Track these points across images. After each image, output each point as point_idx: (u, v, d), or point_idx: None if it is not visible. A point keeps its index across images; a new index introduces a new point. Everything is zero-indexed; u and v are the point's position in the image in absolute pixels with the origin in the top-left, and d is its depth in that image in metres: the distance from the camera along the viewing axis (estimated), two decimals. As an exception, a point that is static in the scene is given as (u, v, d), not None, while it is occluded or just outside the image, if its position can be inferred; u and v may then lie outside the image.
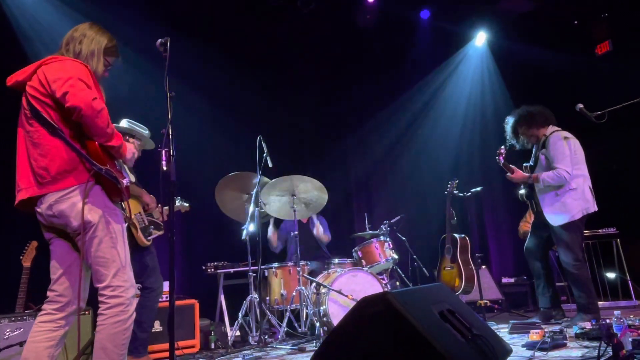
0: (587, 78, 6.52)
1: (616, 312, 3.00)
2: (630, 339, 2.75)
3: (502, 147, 4.37)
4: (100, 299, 2.27)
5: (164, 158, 2.18)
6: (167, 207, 3.61)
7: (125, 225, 3.26)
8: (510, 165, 4.40)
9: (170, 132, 2.25)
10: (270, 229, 5.50)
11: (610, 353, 2.55)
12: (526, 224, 6.22)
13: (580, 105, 3.98)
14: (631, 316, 3.25)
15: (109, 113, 2.26)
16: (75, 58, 2.39)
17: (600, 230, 5.77)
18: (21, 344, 3.44)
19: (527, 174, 4.33)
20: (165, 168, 2.18)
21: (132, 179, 2.70)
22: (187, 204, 4.35)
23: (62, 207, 2.22)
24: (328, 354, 1.92)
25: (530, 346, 3.18)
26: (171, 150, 2.22)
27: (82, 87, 2.18)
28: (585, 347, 3.09)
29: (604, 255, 5.80)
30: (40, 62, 2.32)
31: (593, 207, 4.20)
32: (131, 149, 2.44)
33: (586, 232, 5.39)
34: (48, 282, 2.28)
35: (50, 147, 2.23)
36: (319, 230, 5.50)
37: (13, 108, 2.52)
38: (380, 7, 6.65)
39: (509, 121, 4.56)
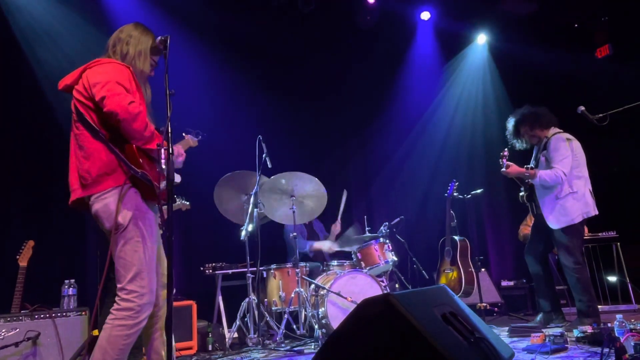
0: (587, 81, 6.52)
1: (618, 316, 2.98)
2: (632, 343, 2.73)
3: (506, 150, 4.33)
4: (115, 298, 2.29)
5: (163, 156, 2.16)
6: (165, 207, 3.57)
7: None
8: (508, 162, 4.35)
9: (169, 130, 2.22)
10: (327, 243, 5.43)
11: (613, 357, 2.53)
12: (526, 227, 6.20)
13: (582, 108, 3.96)
14: (632, 320, 3.23)
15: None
16: (122, 59, 2.45)
17: (600, 234, 5.75)
18: (17, 344, 3.39)
19: (522, 169, 4.27)
20: (164, 166, 2.15)
21: (177, 179, 2.71)
22: (187, 202, 4.32)
23: (96, 207, 2.29)
24: (329, 356, 1.89)
25: (531, 350, 3.16)
26: (170, 149, 2.19)
27: (119, 92, 2.22)
28: (587, 351, 3.07)
29: (604, 258, 5.78)
30: (86, 65, 2.38)
31: (593, 211, 4.18)
32: (177, 151, 2.47)
33: (586, 236, 5.37)
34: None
35: (92, 149, 2.29)
36: (336, 228, 5.50)
37: None
38: (381, 8, 6.63)
39: (511, 120, 4.53)
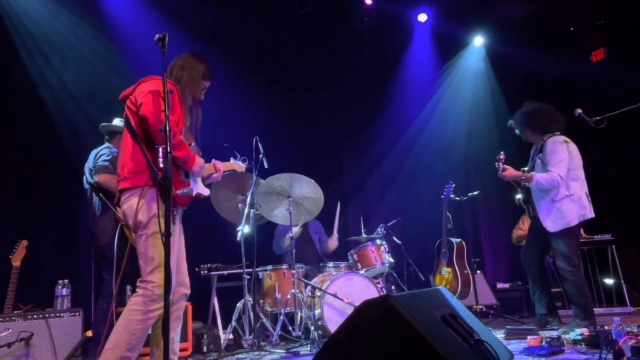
0: (582, 84, 6.55)
1: (616, 319, 2.98)
2: (629, 346, 2.73)
3: (502, 153, 4.32)
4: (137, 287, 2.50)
5: (161, 155, 2.15)
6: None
7: (119, 226, 3.27)
8: (504, 166, 4.33)
9: (167, 129, 2.20)
10: (297, 229, 5.23)
11: (611, 360, 2.53)
12: (519, 230, 6.21)
13: (579, 111, 3.96)
14: (628, 323, 3.23)
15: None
16: (177, 82, 2.75)
17: (595, 237, 5.77)
18: (9, 345, 3.35)
19: (519, 172, 4.26)
20: (162, 165, 2.15)
21: (204, 192, 2.90)
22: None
23: (124, 206, 2.54)
24: (329, 357, 1.87)
25: (529, 352, 3.15)
26: (168, 147, 2.18)
27: (154, 100, 2.47)
28: (584, 353, 3.06)
29: (599, 261, 5.80)
30: (142, 79, 2.67)
31: (590, 214, 4.18)
32: (199, 163, 2.73)
33: (582, 238, 5.38)
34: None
35: (129, 150, 2.57)
36: (333, 243, 5.45)
37: None
38: (378, 10, 6.63)
39: (524, 107, 4.43)
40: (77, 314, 3.69)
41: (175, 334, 2.69)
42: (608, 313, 5.32)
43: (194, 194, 2.73)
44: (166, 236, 2.12)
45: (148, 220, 2.47)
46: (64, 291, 3.84)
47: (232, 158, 3.45)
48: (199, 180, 2.87)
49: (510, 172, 4.22)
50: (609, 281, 5.67)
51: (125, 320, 2.39)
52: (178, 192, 2.54)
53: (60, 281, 3.87)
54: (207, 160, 3.01)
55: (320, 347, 1.96)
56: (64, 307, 3.77)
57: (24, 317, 3.50)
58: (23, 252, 3.79)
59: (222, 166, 3.08)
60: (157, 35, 2.47)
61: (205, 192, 2.91)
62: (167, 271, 2.13)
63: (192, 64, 2.83)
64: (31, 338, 3.45)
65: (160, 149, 2.17)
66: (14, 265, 3.73)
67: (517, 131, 4.50)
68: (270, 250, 5.57)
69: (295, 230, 5.20)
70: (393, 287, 5.13)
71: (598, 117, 3.82)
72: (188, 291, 2.78)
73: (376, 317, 1.82)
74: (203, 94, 2.95)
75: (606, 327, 3.22)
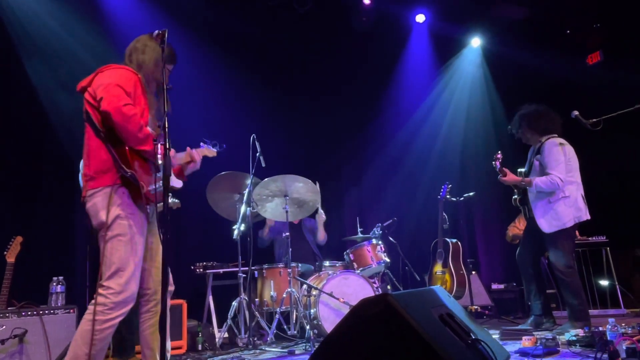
0: (579, 86, 6.58)
1: (611, 320, 2.99)
2: (624, 347, 2.75)
3: (499, 152, 4.34)
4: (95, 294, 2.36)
5: (160, 152, 2.14)
6: (160, 204, 3.53)
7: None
8: (504, 169, 4.37)
9: (166, 125, 2.19)
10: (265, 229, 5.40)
11: (606, 360, 2.54)
12: (514, 228, 6.23)
13: (576, 112, 3.98)
14: (623, 324, 3.24)
15: None
16: (138, 68, 2.55)
17: (590, 238, 5.79)
18: (3, 341, 3.33)
19: (519, 177, 4.31)
20: (160, 162, 2.14)
21: (177, 185, 2.75)
22: (177, 201, 4.27)
23: (88, 205, 2.40)
24: (326, 355, 1.86)
25: (524, 353, 3.15)
26: (167, 144, 2.17)
27: (116, 93, 2.31)
28: (579, 354, 3.07)
29: (594, 263, 5.82)
30: (99, 69, 2.50)
31: (585, 216, 4.20)
32: (170, 154, 2.47)
33: (577, 240, 5.41)
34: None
35: (94, 147, 2.41)
36: (320, 233, 5.43)
37: None
38: (377, 10, 6.63)
39: (523, 109, 4.47)
40: (71, 311, 3.67)
41: (155, 338, 2.57)
42: (602, 315, 5.34)
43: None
44: (164, 233, 2.10)
45: (112, 222, 2.34)
46: (59, 288, 3.82)
47: (202, 143, 3.33)
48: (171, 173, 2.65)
49: (510, 177, 4.28)
50: (604, 283, 5.70)
51: (83, 331, 2.27)
52: (150, 188, 2.40)
53: (55, 278, 3.85)
54: (181, 150, 2.84)
55: (317, 345, 1.96)
56: (59, 304, 3.75)
57: (18, 313, 3.48)
58: (18, 248, 3.76)
59: (198, 154, 2.89)
60: (157, 32, 2.47)
61: (178, 184, 2.76)
62: (164, 271, 2.12)
63: (153, 46, 2.58)
64: (25, 335, 3.43)
65: (160, 146, 2.15)
66: (9, 262, 3.70)
67: (516, 134, 4.53)
68: (267, 249, 5.56)
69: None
70: (389, 287, 5.14)
71: (595, 119, 3.84)
72: (171, 287, 2.69)
73: (374, 315, 1.82)
74: (167, 79, 2.65)
75: (600, 329, 3.23)
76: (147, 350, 2.56)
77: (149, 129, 2.42)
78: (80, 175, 2.63)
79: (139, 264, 2.42)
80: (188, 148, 2.88)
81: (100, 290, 2.32)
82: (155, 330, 2.55)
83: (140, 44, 2.61)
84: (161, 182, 2.39)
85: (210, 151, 3.37)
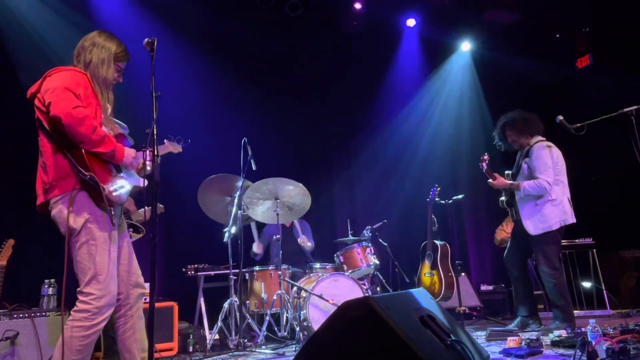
0: (568, 90, 6.66)
1: (591, 321, 3.06)
2: (604, 347, 2.81)
3: (486, 154, 4.42)
4: (76, 301, 2.35)
5: (148, 158, 2.17)
6: (149, 208, 3.56)
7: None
8: (494, 173, 4.44)
9: (155, 132, 2.23)
10: (255, 243, 5.39)
11: (585, 360, 2.60)
12: (502, 232, 6.31)
13: (560, 117, 4.03)
14: (606, 325, 3.31)
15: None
16: (86, 67, 2.48)
17: (577, 240, 5.87)
18: (-5, 343, 3.36)
19: (508, 182, 4.39)
20: (149, 168, 2.17)
21: (141, 184, 2.65)
22: (161, 205, 4.26)
23: (53, 212, 2.36)
24: (310, 356, 1.92)
25: (507, 353, 3.22)
26: (155, 150, 2.20)
27: (65, 97, 2.24)
28: (561, 354, 3.14)
29: (580, 265, 5.90)
30: (46, 73, 2.41)
31: (571, 219, 4.26)
32: (130, 153, 2.46)
33: (563, 242, 5.48)
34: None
35: (49, 155, 2.35)
36: (305, 241, 5.45)
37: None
38: (368, 14, 6.69)
39: (502, 121, 4.56)
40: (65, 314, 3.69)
41: (140, 334, 2.60)
42: (588, 315, 5.42)
43: (130, 188, 2.53)
44: (152, 237, 2.14)
45: (81, 227, 2.32)
46: (50, 290, 3.83)
47: (165, 140, 3.30)
48: (134, 172, 2.64)
49: (500, 181, 4.36)
50: (587, 285, 5.77)
51: (68, 338, 2.26)
52: (111, 189, 2.35)
53: (46, 280, 3.87)
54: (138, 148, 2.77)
55: (302, 346, 2.01)
56: (50, 307, 3.77)
57: (9, 316, 3.50)
58: (9, 251, 3.78)
59: (162, 150, 2.83)
60: (146, 40, 2.48)
61: (142, 183, 2.69)
62: (152, 272, 2.15)
63: (101, 44, 2.52)
64: (17, 337, 3.44)
65: (148, 152, 2.18)
66: (0, 264, 3.73)
67: (503, 146, 4.59)
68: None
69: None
70: (378, 289, 5.19)
71: (578, 125, 3.90)
72: (144, 290, 2.65)
73: (356, 317, 1.88)
74: (120, 76, 2.64)
75: (583, 329, 3.30)
76: (127, 354, 2.54)
77: (104, 129, 2.38)
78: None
79: (114, 265, 2.42)
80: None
81: (81, 297, 2.31)
82: (132, 334, 2.54)
83: (88, 42, 2.54)
84: (123, 183, 2.41)
85: (176, 147, 3.33)
